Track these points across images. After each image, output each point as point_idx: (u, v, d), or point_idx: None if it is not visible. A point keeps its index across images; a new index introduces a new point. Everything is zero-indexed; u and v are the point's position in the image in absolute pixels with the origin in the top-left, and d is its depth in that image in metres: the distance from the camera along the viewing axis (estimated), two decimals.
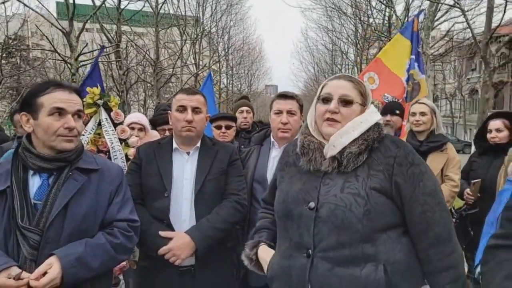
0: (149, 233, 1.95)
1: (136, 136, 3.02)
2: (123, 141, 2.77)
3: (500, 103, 30.56)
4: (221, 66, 25.49)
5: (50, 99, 1.54)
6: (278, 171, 1.68)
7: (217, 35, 23.74)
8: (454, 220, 3.27)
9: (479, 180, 3.15)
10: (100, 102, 2.74)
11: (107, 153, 2.66)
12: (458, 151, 3.61)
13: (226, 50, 25.71)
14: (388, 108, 4.15)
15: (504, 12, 9.45)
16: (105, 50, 14.48)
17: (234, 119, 3.63)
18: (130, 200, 1.78)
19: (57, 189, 1.54)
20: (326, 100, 1.49)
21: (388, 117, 3.97)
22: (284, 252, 1.49)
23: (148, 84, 17.72)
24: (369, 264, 1.35)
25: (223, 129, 3.44)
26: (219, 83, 25.59)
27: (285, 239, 1.51)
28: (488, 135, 3.22)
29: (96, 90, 2.74)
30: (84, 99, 2.64)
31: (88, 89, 2.74)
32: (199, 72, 18.81)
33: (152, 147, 2.20)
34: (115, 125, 2.76)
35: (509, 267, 1.18)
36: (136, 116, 3.40)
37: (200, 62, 20.76)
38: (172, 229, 2.01)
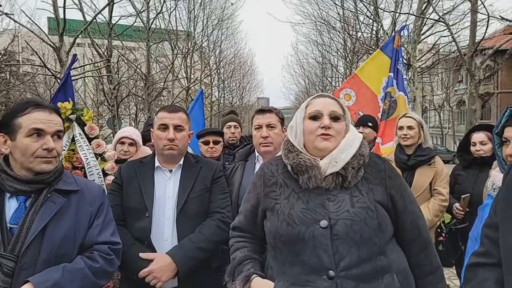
0: (129, 255, 1.90)
1: (126, 152, 2.96)
2: (99, 156, 2.71)
3: (487, 113, 31.11)
4: (212, 80, 25.59)
5: (29, 120, 1.51)
6: (265, 193, 1.55)
7: (209, 49, 23.87)
8: (444, 235, 3.27)
9: (469, 195, 3.15)
10: (72, 117, 2.66)
11: (83, 170, 2.59)
12: (447, 162, 3.64)
13: (218, 64, 25.83)
14: (361, 120, 4.21)
15: (487, 26, 9.69)
16: (96, 65, 14.48)
17: (221, 134, 3.62)
18: (112, 222, 1.73)
19: (34, 212, 1.49)
20: (316, 117, 1.52)
21: (361, 129, 4.02)
22: (295, 279, 1.39)
23: (140, 98, 17.68)
24: (386, 276, 1.38)
25: (211, 144, 3.42)
26: (210, 96, 25.67)
27: (294, 264, 1.41)
28: (472, 148, 3.24)
29: (68, 105, 2.67)
30: None
31: (59, 104, 2.66)
32: (191, 85, 18.85)
33: (134, 166, 2.18)
34: (90, 139, 2.70)
35: (490, 286, 1.17)
36: (127, 131, 3.25)
37: (192, 76, 20.83)
38: (154, 250, 1.97)
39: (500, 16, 9.23)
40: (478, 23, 10.15)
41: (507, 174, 1.28)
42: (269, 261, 1.54)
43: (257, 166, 2.43)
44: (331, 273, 1.34)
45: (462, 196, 3.16)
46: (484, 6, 9.01)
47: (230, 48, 27.27)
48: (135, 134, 3.23)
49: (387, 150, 3.91)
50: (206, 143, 3.44)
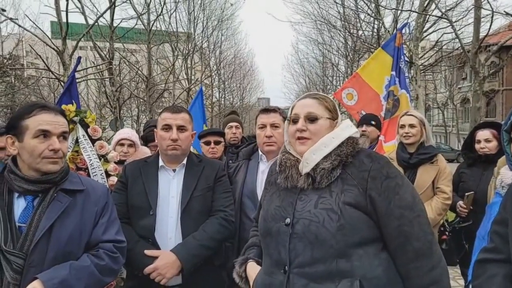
0: (134, 253, 1.93)
1: (126, 153, 3.00)
2: (102, 157, 2.76)
3: (492, 111, 30.92)
4: (213, 80, 25.64)
5: (35, 122, 1.55)
6: (264, 189, 1.72)
7: (209, 50, 23.92)
8: (447, 233, 3.25)
9: (473, 192, 3.13)
10: (76, 119, 2.72)
11: (86, 170, 2.64)
12: (452, 160, 3.64)
13: (218, 65, 25.90)
14: (364, 119, 4.21)
15: (491, 22, 9.63)
16: (98, 67, 14.56)
17: (222, 134, 3.64)
18: (117, 220, 1.76)
19: (42, 212, 1.53)
20: (295, 120, 1.54)
21: (364, 127, 4.02)
22: (266, 269, 1.52)
23: (141, 100, 17.75)
24: (344, 280, 1.33)
25: (212, 145, 3.44)
26: (211, 97, 25.72)
27: (266, 256, 1.53)
28: (477, 146, 3.21)
29: (71, 107, 2.72)
30: None
31: (63, 106, 2.71)
32: (191, 86, 18.90)
33: (138, 165, 2.21)
34: (93, 141, 2.75)
35: (499, 281, 1.18)
36: (126, 132, 3.33)
37: (192, 77, 20.89)
38: (158, 248, 2.00)
39: (504, 11, 9.17)
40: (482, 19, 10.09)
41: None
42: None
43: (261, 165, 2.46)
44: (286, 268, 1.41)
45: (466, 194, 3.14)
46: (488, 2, 8.95)
47: (230, 49, 27.37)
48: (133, 135, 3.30)
49: (390, 148, 3.91)
50: (208, 143, 3.46)
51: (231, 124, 4.01)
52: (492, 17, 8.73)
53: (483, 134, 3.18)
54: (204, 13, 21.32)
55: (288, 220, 1.44)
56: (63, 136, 1.61)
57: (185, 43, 19.37)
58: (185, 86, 19.16)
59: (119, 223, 1.77)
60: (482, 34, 9.89)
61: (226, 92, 30.07)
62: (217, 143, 3.46)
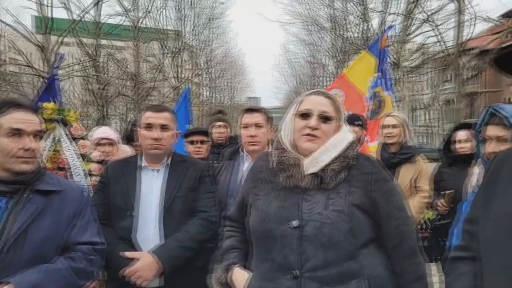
0: (113, 254, 1.89)
1: (107, 153, 2.95)
2: (84, 156, 2.71)
3: (474, 112, 31.57)
4: (202, 79, 25.52)
5: (8, 120, 1.50)
6: (250, 188, 1.60)
7: (198, 49, 23.78)
8: (428, 231, 3.34)
9: (453, 191, 3.20)
10: (57, 117, 2.67)
11: (68, 170, 2.59)
12: (435, 160, 3.70)
13: (208, 63, 25.78)
14: (350, 119, 4.25)
15: (474, 26, 9.86)
16: (83, 64, 14.32)
17: (207, 133, 3.63)
18: (95, 222, 1.72)
19: (16, 213, 1.49)
20: (306, 115, 1.49)
21: (349, 128, 4.07)
22: (265, 275, 1.43)
23: (128, 98, 17.54)
24: (354, 281, 1.36)
25: (197, 144, 3.42)
26: (201, 96, 25.58)
27: (265, 260, 1.45)
28: (455, 146, 3.30)
29: (50, 105, 2.66)
30: None
31: (45, 104, 2.65)
32: (180, 85, 18.77)
33: (120, 165, 2.18)
34: (75, 140, 2.70)
35: (468, 279, 1.20)
36: (103, 131, 3.22)
37: (181, 75, 20.74)
38: (138, 249, 1.97)
39: (487, 16, 9.40)
40: (465, 23, 10.32)
41: (487, 170, 1.31)
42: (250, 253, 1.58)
43: (245, 166, 2.45)
44: (296, 272, 1.36)
45: (446, 192, 3.22)
46: (471, 6, 9.16)
47: (220, 48, 27.27)
48: (112, 133, 3.21)
49: (374, 148, 3.97)
50: (192, 142, 3.44)
51: (217, 123, 3.99)
52: (474, 21, 8.93)
53: (462, 134, 3.26)
54: (193, 11, 21.20)
55: (295, 222, 1.39)
56: (37, 135, 1.57)
57: (174, 41, 19.21)
58: (174, 84, 19.01)
59: (98, 225, 1.73)
60: (464, 38, 10.10)
61: (215, 91, 29.96)
62: (202, 142, 3.45)
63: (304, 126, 1.48)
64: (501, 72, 1.20)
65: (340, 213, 1.38)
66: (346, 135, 1.53)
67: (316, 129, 1.47)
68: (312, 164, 1.45)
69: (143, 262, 1.90)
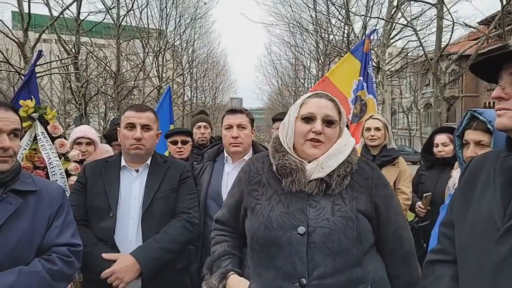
0: (91, 256, 1.85)
1: (84, 152, 2.87)
2: (63, 156, 2.64)
3: (452, 116, 32.49)
4: (185, 79, 25.29)
5: None
6: (248, 190, 1.51)
7: (181, 48, 23.57)
8: None
9: (430, 193, 3.27)
10: (35, 115, 2.60)
11: (45, 169, 2.53)
12: (415, 163, 3.78)
13: (190, 63, 25.57)
14: None
15: (452, 32, 10.15)
16: (63, 61, 13.96)
17: (190, 134, 3.59)
18: (72, 223, 1.68)
19: None
20: (309, 119, 1.45)
21: None
22: (269, 283, 1.37)
23: (109, 97, 17.21)
24: (360, 287, 1.36)
25: (179, 144, 3.38)
26: (183, 96, 25.35)
27: (269, 268, 1.38)
28: (435, 149, 3.37)
29: (30, 103, 2.60)
30: None
31: (21, 102, 2.61)
32: (162, 84, 18.55)
33: (99, 165, 2.13)
34: (53, 139, 2.63)
35: (446, 282, 1.21)
36: (82, 130, 3.13)
37: (164, 75, 20.49)
38: (117, 251, 1.93)
39: (464, 22, 9.69)
40: (444, 29, 10.61)
41: (462, 174, 1.33)
42: (247, 259, 1.52)
43: (226, 167, 2.44)
44: (304, 281, 1.31)
45: (424, 195, 3.28)
46: (450, 13, 9.43)
47: (203, 48, 27.10)
48: (91, 132, 3.11)
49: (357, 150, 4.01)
50: (175, 143, 3.40)
51: (199, 124, 3.96)
52: (452, 27, 9.21)
53: (441, 138, 3.33)
54: (177, 10, 21.00)
55: (301, 229, 1.34)
56: (14, 133, 1.52)
57: (156, 40, 18.97)
58: (156, 84, 18.76)
59: (75, 226, 1.69)
60: (444, 43, 10.38)
61: (198, 91, 29.76)
62: (184, 142, 3.41)
63: (309, 131, 1.44)
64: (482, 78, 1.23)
65: (347, 219, 1.36)
66: (349, 139, 1.51)
67: (321, 133, 1.43)
68: (317, 170, 1.41)
69: (122, 263, 1.86)
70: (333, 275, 1.32)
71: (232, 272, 1.47)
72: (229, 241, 1.60)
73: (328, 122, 1.45)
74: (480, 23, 14.70)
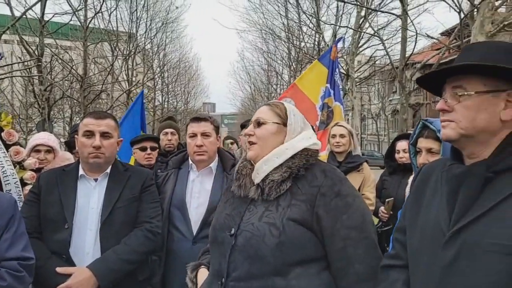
0: (44, 270, 1.77)
1: (42, 160, 2.75)
2: (18, 164, 2.52)
3: (417, 122, 33.82)
4: (156, 83, 24.89)
5: None
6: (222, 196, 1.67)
7: (152, 52, 23.20)
8: None
9: (392, 198, 3.37)
10: None
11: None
12: (383, 167, 3.87)
13: (162, 67, 25.20)
14: None
15: (416, 42, 10.62)
16: (25, 63, 13.35)
17: (158, 140, 3.54)
18: (24, 235, 1.62)
19: None
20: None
21: None
22: (209, 278, 1.47)
23: (75, 101, 16.63)
24: None
25: (148, 151, 3.32)
26: (153, 101, 24.92)
27: (212, 264, 1.49)
28: (396, 155, 3.48)
29: None
30: None
31: None
32: (132, 88, 18.16)
33: (55, 174, 2.04)
34: (7, 146, 2.51)
35: (399, 287, 1.23)
36: (42, 137, 2.99)
37: (134, 79, 20.08)
38: (73, 264, 1.86)
39: (426, 33, 10.18)
40: (408, 39, 11.10)
41: (414, 181, 1.38)
42: None
43: (191, 174, 2.40)
44: (223, 280, 1.36)
45: (387, 200, 3.38)
46: (413, 24, 9.87)
47: (175, 52, 26.80)
48: (51, 140, 2.98)
49: (323, 157, 4.07)
50: (143, 149, 3.33)
51: (166, 130, 3.87)
52: (416, 38, 9.63)
53: (402, 144, 3.45)
54: (147, 14, 20.68)
55: (232, 231, 1.39)
56: None
57: (126, 43, 18.58)
58: (125, 88, 18.34)
59: (27, 238, 1.62)
60: (408, 53, 10.84)
61: (169, 95, 29.34)
62: (153, 149, 3.35)
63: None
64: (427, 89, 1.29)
65: (270, 225, 1.33)
66: (297, 143, 1.45)
67: (251, 135, 1.49)
68: (255, 175, 1.45)
69: (77, 277, 1.78)
70: (247, 280, 1.32)
71: (203, 266, 1.59)
72: None
73: (257, 123, 1.51)
74: (442, 34, 15.48)
